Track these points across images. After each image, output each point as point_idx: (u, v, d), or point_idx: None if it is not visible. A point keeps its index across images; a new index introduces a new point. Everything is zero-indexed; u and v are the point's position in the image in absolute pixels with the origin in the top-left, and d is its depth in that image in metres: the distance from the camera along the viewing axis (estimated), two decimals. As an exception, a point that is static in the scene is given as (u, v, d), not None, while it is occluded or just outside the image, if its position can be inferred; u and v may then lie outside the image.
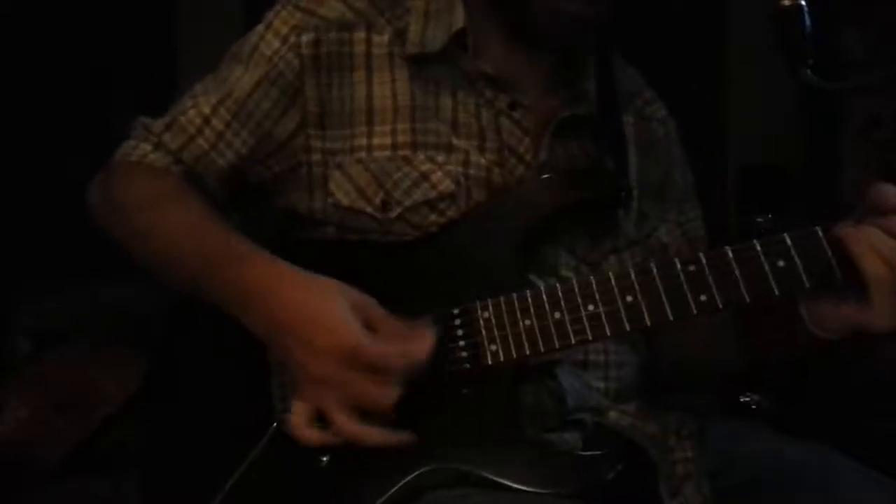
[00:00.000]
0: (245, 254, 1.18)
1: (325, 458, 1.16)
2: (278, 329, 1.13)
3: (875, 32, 3.08)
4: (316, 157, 1.27)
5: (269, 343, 1.16)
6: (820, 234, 1.11)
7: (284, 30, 1.28)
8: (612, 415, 1.28)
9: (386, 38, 1.27)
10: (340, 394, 1.11)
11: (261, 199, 1.33)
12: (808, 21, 1.15)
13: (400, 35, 1.27)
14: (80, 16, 3.12)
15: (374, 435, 1.11)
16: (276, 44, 1.28)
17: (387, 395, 1.10)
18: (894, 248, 1.07)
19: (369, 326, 1.12)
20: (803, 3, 1.15)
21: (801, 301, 1.16)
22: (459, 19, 1.27)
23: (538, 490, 1.12)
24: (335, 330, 1.10)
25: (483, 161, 1.26)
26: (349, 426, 1.11)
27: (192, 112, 1.30)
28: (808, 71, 1.15)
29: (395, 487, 1.13)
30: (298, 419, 1.13)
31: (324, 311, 1.12)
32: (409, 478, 1.14)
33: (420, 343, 1.12)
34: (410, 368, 1.11)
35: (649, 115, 1.41)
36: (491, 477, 1.13)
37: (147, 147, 1.31)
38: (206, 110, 1.30)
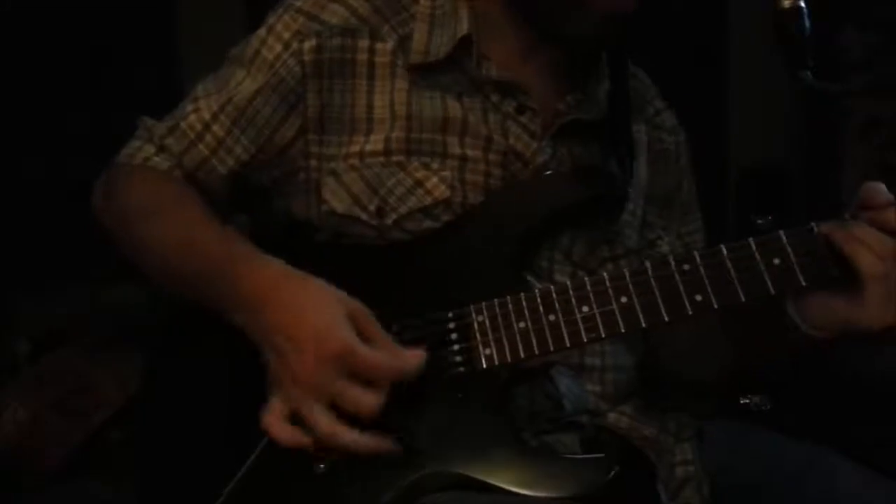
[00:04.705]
0: (243, 256, 1.18)
1: (322, 465, 1.15)
2: (270, 329, 1.13)
3: (875, 32, 3.09)
4: (313, 162, 1.27)
5: (260, 343, 1.15)
6: (815, 231, 1.11)
7: (286, 35, 1.27)
8: (611, 417, 1.28)
9: (390, 45, 1.26)
10: (322, 395, 1.09)
11: (262, 201, 1.33)
12: (807, 23, 1.15)
13: (404, 42, 1.26)
14: (79, 15, 3.12)
15: (353, 438, 1.10)
16: (279, 49, 1.27)
17: (370, 401, 1.09)
18: (884, 242, 1.07)
19: (362, 335, 1.11)
20: (802, 4, 1.15)
21: (789, 301, 1.16)
22: (464, 25, 1.26)
23: (536, 493, 1.11)
24: (326, 332, 1.10)
25: (482, 166, 1.25)
26: (328, 426, 1.09)
27: (193, 117, 1.30)
28: (808, 73, 1.15)
29: (392, 493, 1.13)
30: (273, 416, 1.12)
31: (317, 313, 1.11)
32: (405, 483, 1.13)
33: (409, 358, 1.12)
34: (396, 378, 1.11)
35: (660, 125, 1.41)
36: (488, 481, 1.12)
37: (150, 149, 1.32)
38: (207, 116, 1.29)
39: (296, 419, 1.12)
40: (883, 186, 1.11)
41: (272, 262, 1.17)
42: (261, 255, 1.18)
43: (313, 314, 1.12)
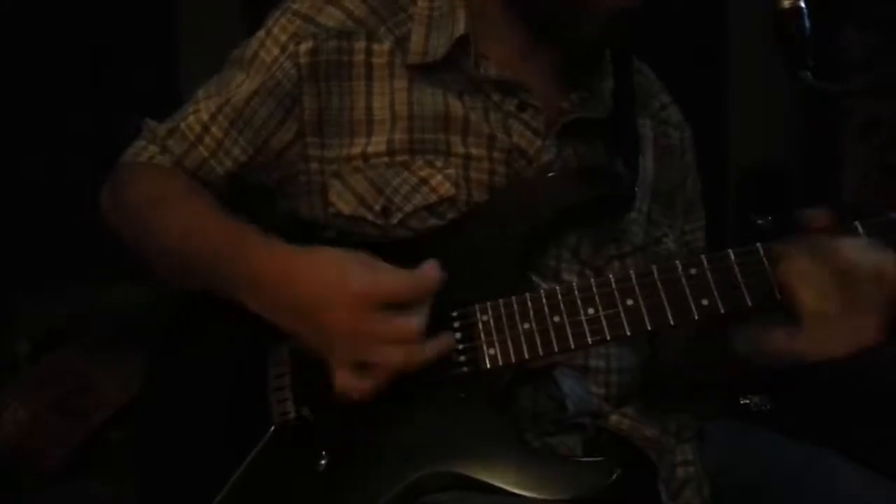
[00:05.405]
0: (251, 242, 1.19)
1: (323, 463, 1.15)
2: (290, 304, 1.14)
3: (875, 32, 3.09)
4: (314, 165, 1.27)
5: (283, 323, 1.16)
6: (761, 252, 1.12)
7: (283, 38, 1.27)
8: (612, 418, 1.27)
9: (387, 46, 1.26)
10: (372, 335, 1.10)
11: (264, 202, 1.33)
12: (807, 23, 1.15)
13: (402, 43, 1.26)
14: (79, 16, 3.12)
15: (425, 350, 1.11)
16: (275, 52, 1.27)
17: (413, 322, 1.10)
18: (824, 277, 1.07)
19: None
20: (802, 4, 1.15)
21: (733, 327, 1.17)
22: (461, 25, 1.26)
23: (537, 495, 1.11)
24: (345, 281, 1.11)
25: (486, 164, 1.25)
26: (393, 357, 1.10)
27: (192, 118, 1.31)
28: (808, 73, 1.15)
29: (394, 491, 1.13)
30: (341, 376, 1.13)
31: (330, 271, 1.12)
32: (407, 481, 1.13)
33: (429, 273, 1.12)
34: (426, 293, 1.12)
35: (666, 119, 1.40)
36: (489, 481, 1.12)
37: (154, 149, 1.33)
38: (206, 117, 1.30)
39: (362, 371, 1.12)
40: (824, 213, 1.10)
41: (278, 242, 1.18)
42: (266, 237, 1.19)
43: (325, 271, 1.12)
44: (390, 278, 1.11)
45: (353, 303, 1.10)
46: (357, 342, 1.11)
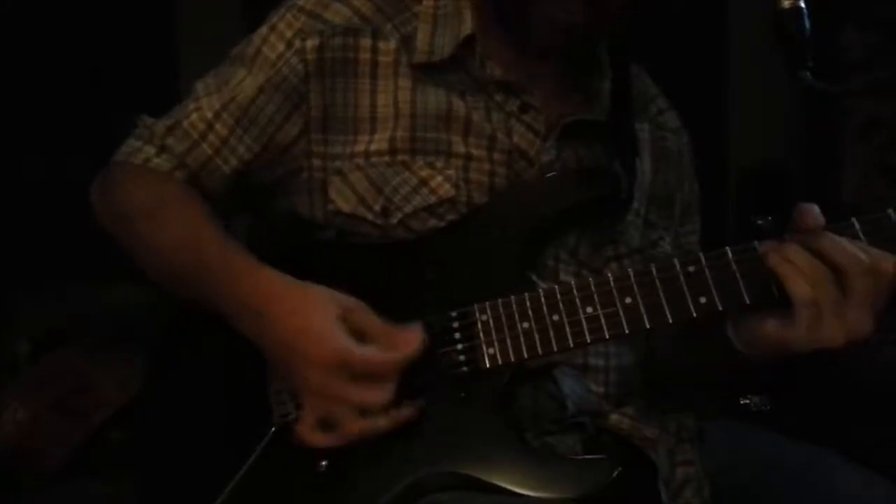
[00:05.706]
0: (239, 269, 1.19)
1: (324, 463, 1.16)
2: (273, 342, 1.16)
3: (875, 32, 3.09)
4: (316, 162, 1.27)
5: (267, 354, 1.18)
6: (758, 249, 1.11)
7: (289, 34, 1.27)
8: (612, 418, 1.28)
9: (392, 45, 1.26)
10: (338, 400, 1.12)
11: (264, 200, 1.33)
12: (807, 23, 1.15)
13: (407, 42, 1.26)
14: (79, 16, 3.12)
15: (381, 424, 1.13)
16: (281, 48, 1.27)
17: (378, 396, 1.12)
18: (816, 267, 1.07)
19: (358, 332, 1.13)
20: (802, 4, 1.15)
21: (728, 321, 1.17)
22: (468, 25, 1.26)
23: (537, 494, 1.11)
24: (323, 341, 1.12)
25: (486, 166, 1.25)
26: (354, 426, 1.12)
27: (195, 116, 1.30)
28: (808, 73, 1.15)
29: (394, 491, 1.13)
30: (304, 426, 1.15)
31: (312, 322, 1.13)
32: (407, 481, 1.14)
33: (406, 344, 1.13)
34: (398, 369, 1.13)
35: (663, 125, 1.41)
36: (489, 481, 1.12)
37: (150, 150, 1.31)
38: (209, 115, 1.29)
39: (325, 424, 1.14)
40: (816, 208, 1.11)
41: (265, 273, 1.18)
42: (255, 264, 1.19)
43: (307, 323, 1.13)
44: (367, 354, 1.12)
45: (327, 364, 1.12)
46: (325, 402, 1.13)
